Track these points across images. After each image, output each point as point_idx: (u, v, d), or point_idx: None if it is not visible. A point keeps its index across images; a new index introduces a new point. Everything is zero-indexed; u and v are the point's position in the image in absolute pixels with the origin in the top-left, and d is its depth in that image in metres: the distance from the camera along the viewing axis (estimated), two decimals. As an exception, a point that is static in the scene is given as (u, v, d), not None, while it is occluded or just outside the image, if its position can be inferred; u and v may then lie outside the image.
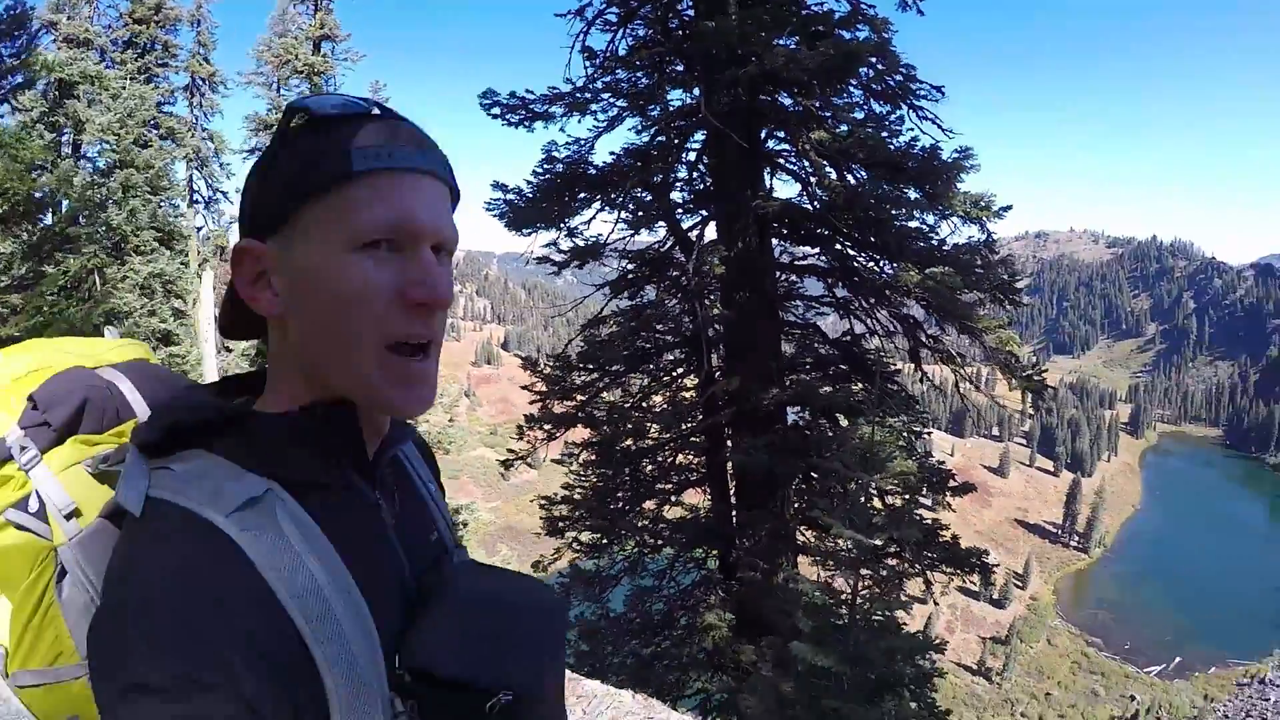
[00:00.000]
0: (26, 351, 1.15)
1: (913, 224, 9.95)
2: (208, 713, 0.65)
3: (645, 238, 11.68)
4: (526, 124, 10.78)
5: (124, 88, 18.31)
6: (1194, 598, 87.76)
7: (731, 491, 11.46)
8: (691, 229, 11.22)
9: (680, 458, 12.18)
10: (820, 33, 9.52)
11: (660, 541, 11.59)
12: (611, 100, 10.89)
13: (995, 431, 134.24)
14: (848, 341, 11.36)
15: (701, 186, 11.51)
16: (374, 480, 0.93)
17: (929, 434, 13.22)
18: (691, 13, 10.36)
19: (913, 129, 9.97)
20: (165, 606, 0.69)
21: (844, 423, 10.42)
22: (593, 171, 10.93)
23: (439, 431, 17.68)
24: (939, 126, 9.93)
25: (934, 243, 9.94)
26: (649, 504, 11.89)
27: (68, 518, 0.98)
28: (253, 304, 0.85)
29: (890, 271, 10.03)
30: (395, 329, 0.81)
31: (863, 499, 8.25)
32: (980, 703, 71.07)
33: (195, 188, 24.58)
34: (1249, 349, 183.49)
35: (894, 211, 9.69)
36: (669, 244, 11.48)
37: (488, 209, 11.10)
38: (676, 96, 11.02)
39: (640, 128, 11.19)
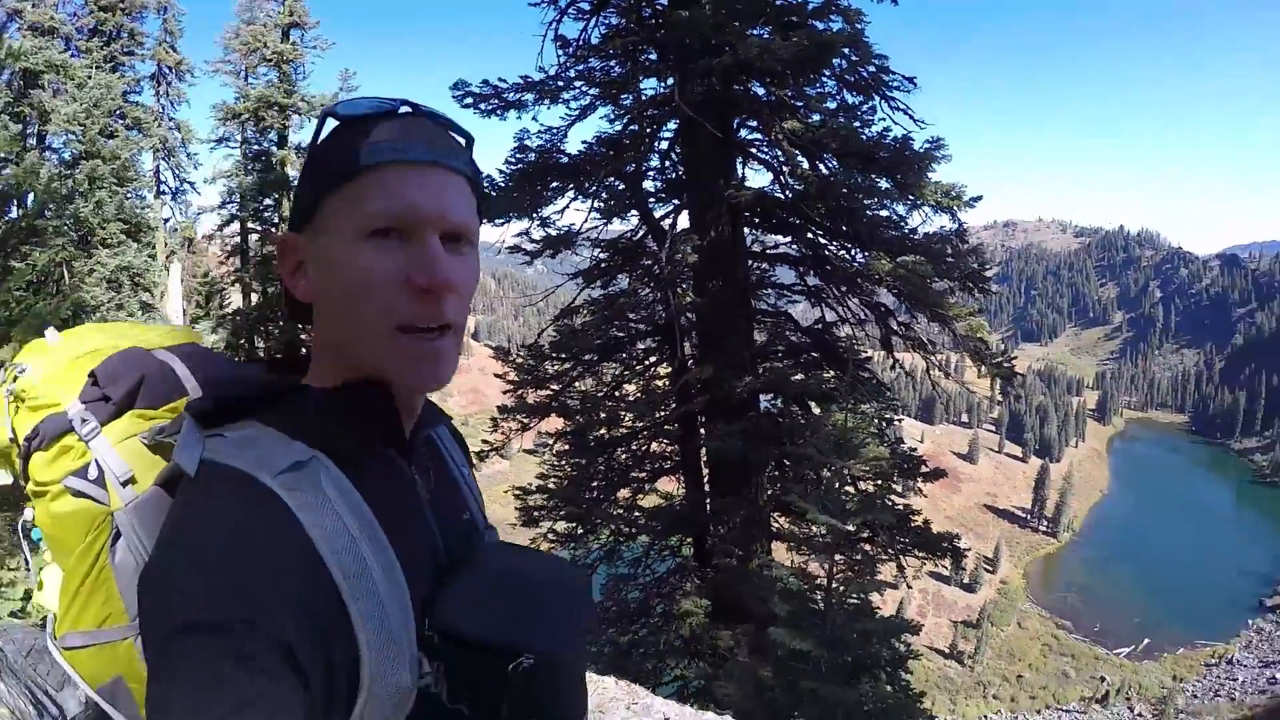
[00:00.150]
0: (86, 333, 1.23)
1: (884, 213, 10.05)
2: (254, 650, 0.69)
3: (618, 226, 11.71)
4: (499, 113, 10.75)
5: (90, 77, 17.95)
6: (1161, 581, 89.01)
7: (705, 479, 11.52)
8: (664, 218, 11.24)
9: (654, 446, 12.23)
10: (794, 23, 9.57)
11: (635, 530, 11.63)
12: (584, 89, 10.87)
13: (964, 418, 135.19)
14: (819, 329, 11.44)
15: (674, 175, 11.54)
16: (410, 457, 0.98)
17: (899, 421, 13.35)
18: (665, 1, 10.36)
19: (885, 119, 10.10)
20: (219, 554, 0.74)
21: (816, 410, 10.52)
22: (565, 160, 10.91)
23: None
24: (911, 117, 10.03)
25: (905, 232, 10.05)
26: (623, 493, 11.92)
27: (124, 484, 1.04)
28: (293, 290, 0.92)
29: (862, 260, 10.11)
30: (403, 313, 0.85)
31: (837, 485, 8.33)
32: (953, 685, 71.84)
33: (162, 178, 24.18)
34: (1214, 337, 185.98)
35: (866, 201, 9.78)
36: (641, 233, 11.50)
37: (459, 199, 11.01)
38: (650, 85, 11.03)
39: (613, 116, 11.20)
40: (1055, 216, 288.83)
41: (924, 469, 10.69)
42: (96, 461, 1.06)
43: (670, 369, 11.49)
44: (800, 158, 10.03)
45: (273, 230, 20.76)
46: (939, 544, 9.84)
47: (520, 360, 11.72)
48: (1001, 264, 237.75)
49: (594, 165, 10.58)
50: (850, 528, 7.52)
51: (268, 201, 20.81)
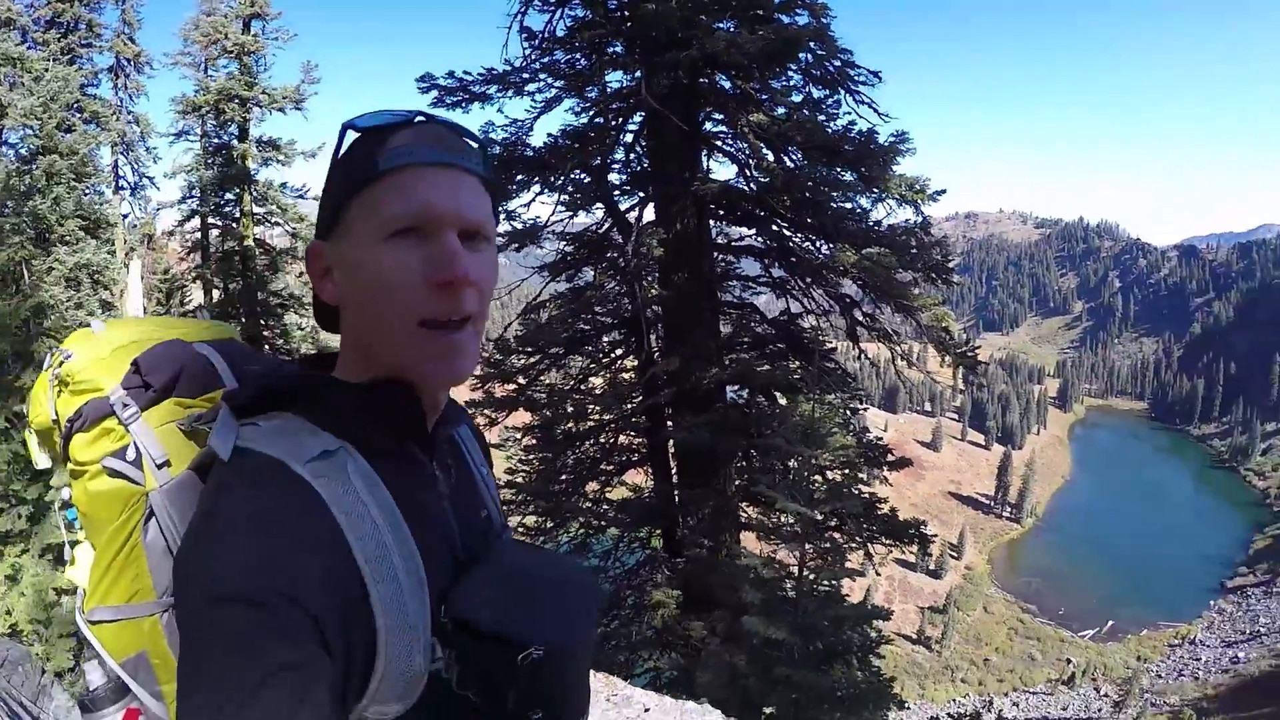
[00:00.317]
0: (130, 325, 1.31)
1: (849, 206, 10.12)
2: (285, 622, 0.73)
3: (583, 220, 11.66)
4: (464, 106, 10.68)
5: (47, 70, 17.54)
6: (1124, 564, 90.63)
7: (674, 470, 11.55)
8: (629, 210, 11.22)
9: (622, 439, 12.26)
10: (760, 17, 9.58)
11: (605, 523, 11.64)
12: (550, 81, 10.82)
13: (927, 407, 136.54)
14: (785, 320, 11.50)
15: (639, 168, 11.52)
16: (432, 453, 1.03)
17: (864, 410, 13.45)
18: (631, -6, 10.33)
19: (850, 113, 10.13)
20: (251, 533, 0.78)
21: (783, 400, 10.57)
22: (530, 153, 10.86)
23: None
24: (875, 111, 10.10)
25: (870, 224, 10.13)
26: (592, 486, 11.96)
27: (160, 467, 1.12)
28: (323, 296, 0.96)
29: (827, 252, 10.19)
30: (424, 308, 0.89)
31: (805, 474, 8.40)
32: (921, 670, 72.78)
33: (121, 173, 23.64)
34: (1172, 326, 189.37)
35: (831, 193, 9.84)
36: (607, 226, 11.47)
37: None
38: (615, 78, 11.00)
39: (579, 109, 11.14)
40: (1016, 208, 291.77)
41: (890, 458, 10.80)
42: (135, 444, 1.13)
43: (637, 362, 11.48)
44: (766, 151, 10.07)
45: (233, 225, 20.46)
46: (906, 531, 9.94)
47: (486, 354, 11.66)
48: (963, 254, 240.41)
49: (559, 158, 10.54)
50: (819, 516, 7.59)
51: (228, 196, 20.49)
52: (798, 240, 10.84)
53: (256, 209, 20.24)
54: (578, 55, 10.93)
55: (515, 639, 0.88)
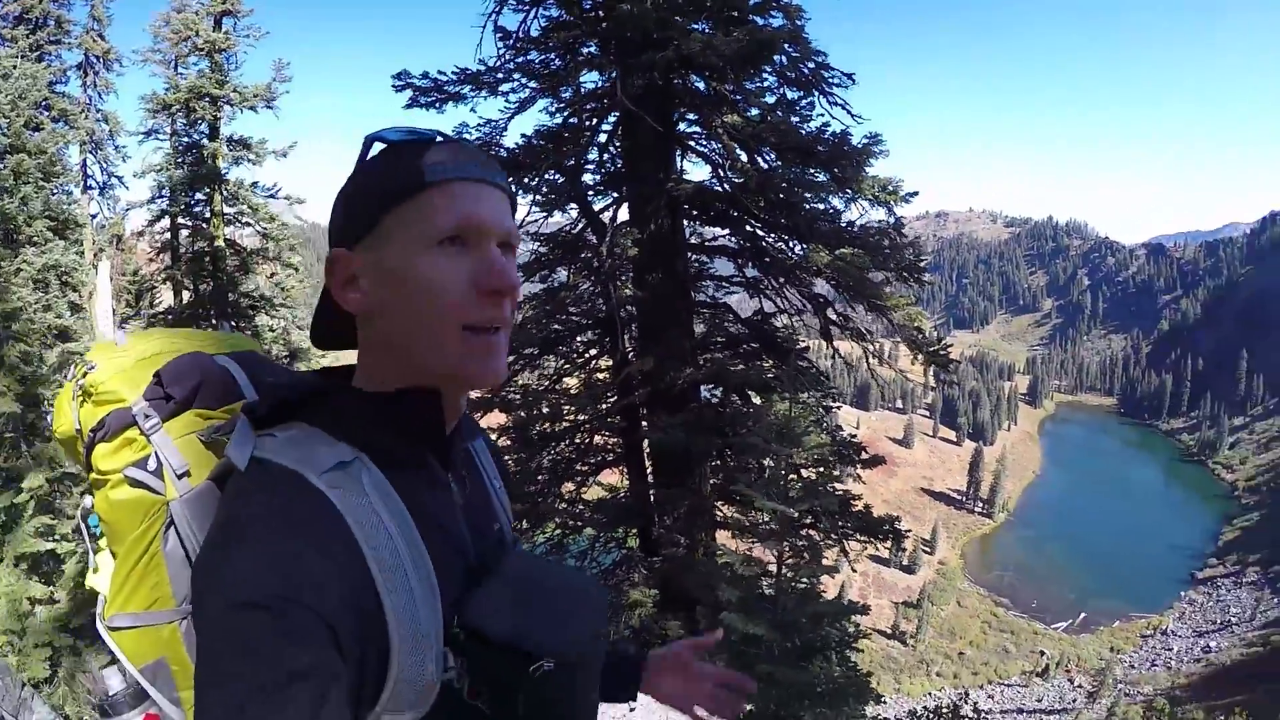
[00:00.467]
0: (152, 337, 1.33)
1: (822, 206, 10.18)
2: (302, 628, 0.75)
3: (557, 220, 11.65)
4: (438, 105, 10.62)
5: (15, 66, 17.30)
6: (1095, 557, 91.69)
7: (649, 470, 11.58)
8: (603, 211, 11.22)
9: (597, 439, 12.26)
10: (735, 18, 9.62)
11: (581, 523, 11.61)
12: (524, 81, 10.77)
13: (899, 404, 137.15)
14: (759, 320, 11.55)
15: (614, 168, 11.51)
16: (448, 465, 1.06)
17: (837, 408, 13.53)
18: (605, -6, 10.33)
19: (824, 114, 10.20)
20: (269, 540, 0.81)
21: (757, 399, 10.63)
22: (504, 154, 10.82)
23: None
24: (849, 112, 10.15)
25: (843, 224, 10.20)
26: (568, 486, 11.96)
27: (180, 477, 1.15)
28: (344, 304, 0.98)
29: (800, 252, 10.23)
30: (470, 314, 0.94)
31: (781, 472, 8.46)
32: (897, 665, 73.29)
33: (89, 173, 23.44)
34: (1141, 323, 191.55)
35: (804, 194, 9.89)
36: (581, 226, 11.46)
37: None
38: (590, 79, 10.97)
39: (553, 109, 11.11)
40: (986, 207, 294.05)
41: (863, 455, 10.89)
42: (156, 454, 1.16)
43: (611, 362, 11.49)
44: (740, 152, 10.09)
45: (204, 226, 20.20)
46: (880, 527, 10.02)
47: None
48: (934, 253, 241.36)
49: (533, 159, 10.51)
50: (795, 514, 7.64)
51: (199, 196, 20.10)
52: (771, 240, 10.89)
53: (227, 209, 19.90)
54: (552, 55, 10.90)
55: (526, 649, 0.91)
